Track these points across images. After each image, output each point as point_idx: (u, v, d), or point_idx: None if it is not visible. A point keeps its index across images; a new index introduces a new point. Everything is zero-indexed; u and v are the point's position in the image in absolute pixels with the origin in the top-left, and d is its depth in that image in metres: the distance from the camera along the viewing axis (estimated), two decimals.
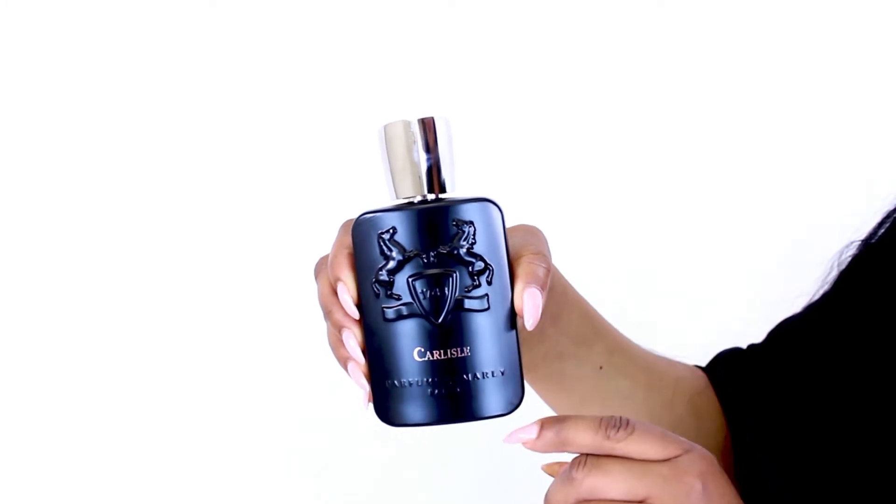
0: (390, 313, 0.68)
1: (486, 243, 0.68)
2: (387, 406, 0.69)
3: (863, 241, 0.86)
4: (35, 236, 1.40)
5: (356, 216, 0.69)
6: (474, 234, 0.68)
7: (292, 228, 1.40)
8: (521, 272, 0.68)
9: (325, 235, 1.41)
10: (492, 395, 0.68)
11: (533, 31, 1.39)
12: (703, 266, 1.39)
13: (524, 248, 0.70)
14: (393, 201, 0.71)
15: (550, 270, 0.70)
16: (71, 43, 1.38)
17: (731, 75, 1.39)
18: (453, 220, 0.68)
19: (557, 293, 0.78)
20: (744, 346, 0.94)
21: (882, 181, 0.87)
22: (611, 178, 1.40)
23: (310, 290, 1.45)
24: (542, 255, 0.70)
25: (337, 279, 0.69)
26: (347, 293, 0.69)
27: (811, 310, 0.89)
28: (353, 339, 0.69)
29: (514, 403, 0.69)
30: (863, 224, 0.87)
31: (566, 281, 0.81)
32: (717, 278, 1.39)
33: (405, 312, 0.68)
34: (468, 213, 0.68)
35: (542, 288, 0.68)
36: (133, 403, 1.41)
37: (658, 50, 1.39)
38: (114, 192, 1.40)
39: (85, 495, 1.41)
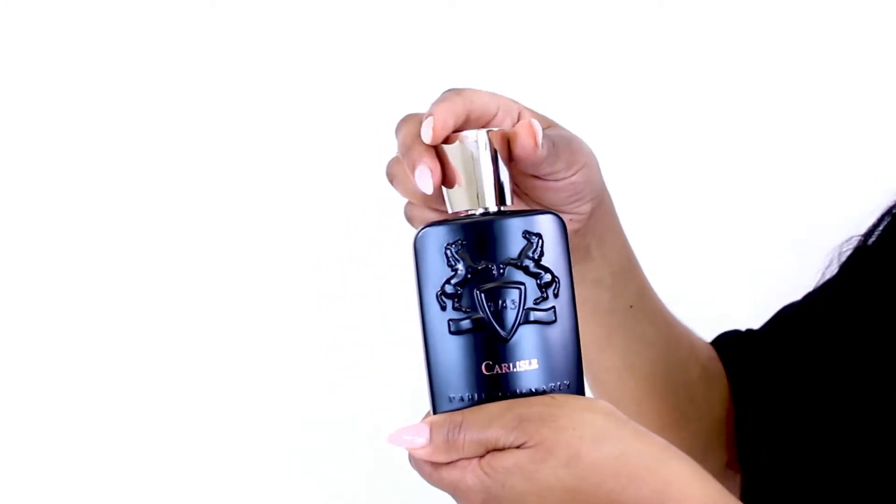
0: (457, 326, 0.68)
1: (552, 255, 0.68)
2: None
3: (862, 236, 0.86)
4: (34, 236, 1.40)
5: (419, 228, 0.70)
6: (542, 246, 0.68)
7: (292, 229, 1.40)
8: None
9: (326, 235, 1.42)
10: None
11: (533, 31, 1.39)
12: (700, 265, 1.39)
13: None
14: (451, 212, 0.70)
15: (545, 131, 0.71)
16: (71, 43, 1.38)
17: (731, 75, 1.39)
18: (523, 232, 0.68)
19: (608, 214, 0.79)
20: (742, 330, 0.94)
21: (881, 178, 0.87)
22: (610, 178, 1.40)
23: (309, 291, 1.45)
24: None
25: (430, 114, 0.71)
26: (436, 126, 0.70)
27: (811, 298, 0.89)
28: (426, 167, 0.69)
29: None
30: (862, 221, 0.87)
31: (614, 209, 0.82)
32: (715, 277, 1.39)
33: (472, 325, 0.67)
34: (537, 225, 0.68)
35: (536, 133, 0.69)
36: (133, 404, 1.41)
37: (658, 50, 1.39)
38: (114, 192, 1.40)
39: (85, 496, 1.41)
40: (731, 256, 1.40)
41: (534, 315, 0.68)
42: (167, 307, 1.41)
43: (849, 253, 0.86)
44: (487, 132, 0.70)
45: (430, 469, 0.66)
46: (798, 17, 1.38)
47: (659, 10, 1.38)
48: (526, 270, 0.68)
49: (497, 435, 0.64)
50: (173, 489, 1.41)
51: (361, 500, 1.42)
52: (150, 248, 1.40)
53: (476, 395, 0.67)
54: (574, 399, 0.66)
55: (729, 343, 0.92)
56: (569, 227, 0.71)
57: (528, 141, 0.69)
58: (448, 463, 0.65)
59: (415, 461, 0.66)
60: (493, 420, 0.64)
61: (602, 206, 0.78)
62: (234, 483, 1.42)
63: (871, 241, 0.85)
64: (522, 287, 0.68)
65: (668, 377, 0.87)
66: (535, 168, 0.70)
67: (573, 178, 0.74)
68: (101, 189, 1.40)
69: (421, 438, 0.65)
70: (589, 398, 0.66)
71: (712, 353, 0.91)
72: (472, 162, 0.70)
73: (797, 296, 0.91)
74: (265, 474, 1.42)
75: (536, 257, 0.68)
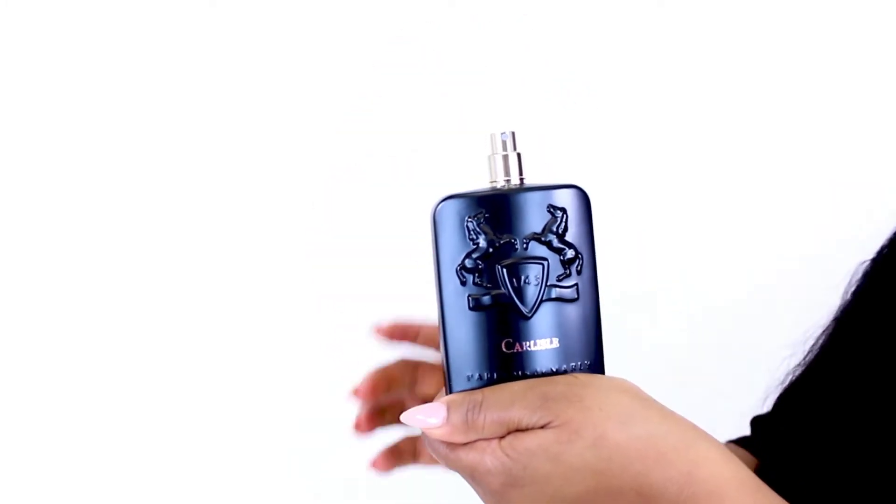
0: (477, 302, 0.65)
1: (576, 231, 0.66)
2: None
3: (871, 259, 0.85)
4: (34, 236, 1.40)
5: (439, 200, 0.66)
6: (566, 221, 0.66)
7: (293, 229, 1.40)
8: None
9: (326, 235, 1.42)
10: None
11: (533, 31, 1.39)
12: (706, 277, 1.39)
13: None
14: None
15: None
16: (71, 43, 1.38)
17: (731, 76, 1.39)
18: (547, 206, 0.65)
19: None
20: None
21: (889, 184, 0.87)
22: (610, 178, 1.40)
23: (309, 291, 1.45)
24: None
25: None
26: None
27: (818, 357, 0.88)
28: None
29: None
30: (871, 238, 0.86)
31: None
32: (720, 288, 1.39)
33: (493, 302, 0.65)
34: (561, 198, 0.66)
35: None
36: (132, 404, 1.41)
37: (658, 50, 1.39)
38: (114, 192, 1.40)
39: (85, 496, 1.41)
40: (736, 266, 1.40)
41: (556, 292, 0.65)
42: (167, 308, 1.41)
43: (861, 277, 0.85)
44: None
45: (447, 451, 0.64)
46: (799, 16, 1.38)
47: (659, 10, 1.38)
48: (549, 245, 0.66)
49: (520, 415, 0.62)
50: (173, 489, 1.41)
51: (361, 500, 1.42)
52: (148, 248, 1.40)
53: (494, 374, 0.64)
54: (598, 378, 0.64)
55: (757, 429, 0.91)
56: None
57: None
58: (466, 444, 0.63)
59: (430, 442, 0.64)
60: (517, 399, 0.62)
61: None
62: (234, 483, 1.42)
63: (878, 262, 0.83)
64: (545, 263, 0.65)
65: None
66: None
67: None
68: (101, 189, 1.40)
69: (436, 418, 0.63)
70: (613, 377, 0.64)
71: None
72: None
73: (798, 292, 0.90)
74: (265, 474, 1.42)
75: (560, 232, 0.66)
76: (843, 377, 0.81)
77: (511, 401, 0.62)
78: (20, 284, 1.40)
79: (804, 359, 0.90)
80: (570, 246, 0.66)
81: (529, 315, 0.65)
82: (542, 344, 0.65)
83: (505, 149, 0.67)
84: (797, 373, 0.90)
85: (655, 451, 0.61)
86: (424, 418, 0.63)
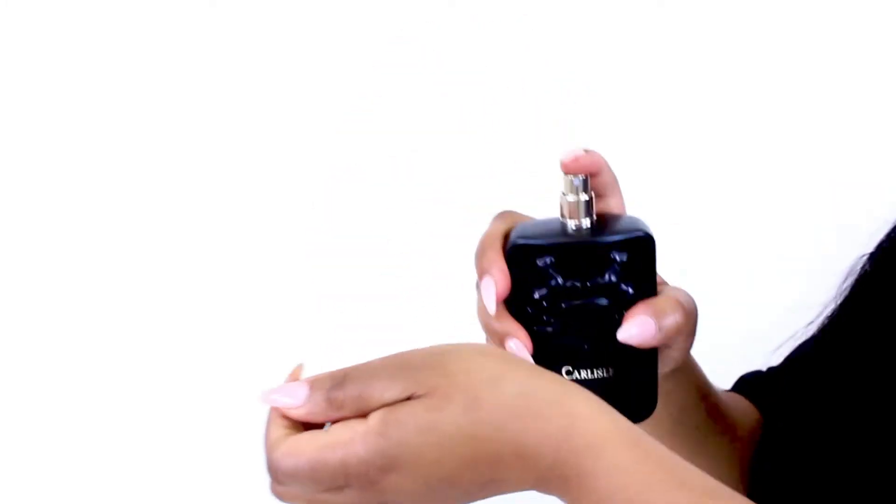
0: (542, 336, 0.70)
1: (638, 276, 0.70)
2: None
3: (870, 253, 0.85)
4: (34, 236, 1.40)
5: (512, 240, 0.70)
6: (629, 267, 0.70)
7: (293, 229, 1.40)
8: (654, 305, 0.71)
9: (325, 236, 1.42)
10: (627, 407, 0.68)
11: (533, 31, 1.39)
12: (713, 271, 1.39)
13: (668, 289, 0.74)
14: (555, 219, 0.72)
15: (679, 329, 0.72)
16: (71, 43, 1.38)
17: (731, 75, 1.39)
18: (610, 253, 0.70)
19: (680, 372, 0.79)
20: (760, 367, 0.94)
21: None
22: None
23: (309, 291, 1.45)
24: (680, 305, 0.72)
25: (484, 273, 0.70)
26: (493, 290, 0.70)
27: (824, 328, 0.89)
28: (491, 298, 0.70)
29: (646, 414, 0.72)
30: (871, 233, 0.87)
31: (692, 359, 0.82)
32: (726, 283, 1.39)
33: (556, 338, 0.70)
34: (625, 246, 0.70)
35: (658, 329, 0.71)
36: (132, 404, 1.41)
37: (658, 50, 1.39)
38: (113, 192, 1.40)
39: (85, 496, 1.41)
40: (741, 261, 1.40)
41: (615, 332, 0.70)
42: (166, 308, 1.41)
43: (859, 270, 0.85)
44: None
45: (309, 464, 0.58)
46: (799, 16, 1.38)
47: (659, 10, 1.38)
48: (611, 290, 0.70)
49: (382, 386, 0.59)
50: (173, 489, 1.41)
51: None
52: (148, 247, 1.40)
53: None
54: (459, 344, 0.62)
55: (758, 387, 0.92)
56: None
57: (646, 333, 0.70)
58: (329, 444, 0.58)
59: (284, 457, 0.59)
60: (377, 371, 0.60)
61: (676, 369, 0.78)
62: (234, 483, 1.42)
63: (877, 255, 0.84)
64: (607, 305, 0.70)
65: (725, 469, 0.87)
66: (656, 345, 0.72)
67: (671, 352, 0.75)
68: (101, 189, 1.40)
69: (295, 398, 0.60)
70: (475, 343, 0.63)
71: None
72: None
73: (810, 306, 0.91)
74: (264, 474, 1.42)
75: (622, 276, 0.70)
76: (839, 369, 0.81)
77: (371, 373, 0.60)
78: (20, 284, 1.40)
79: (800, 351, 0.91)
80: (631, 290, 0.70)
81: (588, 350, 0.70)
82: (599, 373, 0.70)
83: (577, 193, 0.71)
84: (794, 356, 0.91)
85: (530, 409, 0.59)
86: (282, 398, 0.60)
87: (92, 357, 1.40)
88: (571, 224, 0.71)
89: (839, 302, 0.86)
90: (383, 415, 0.58)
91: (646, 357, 0.71)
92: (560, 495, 0.60)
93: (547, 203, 1.42)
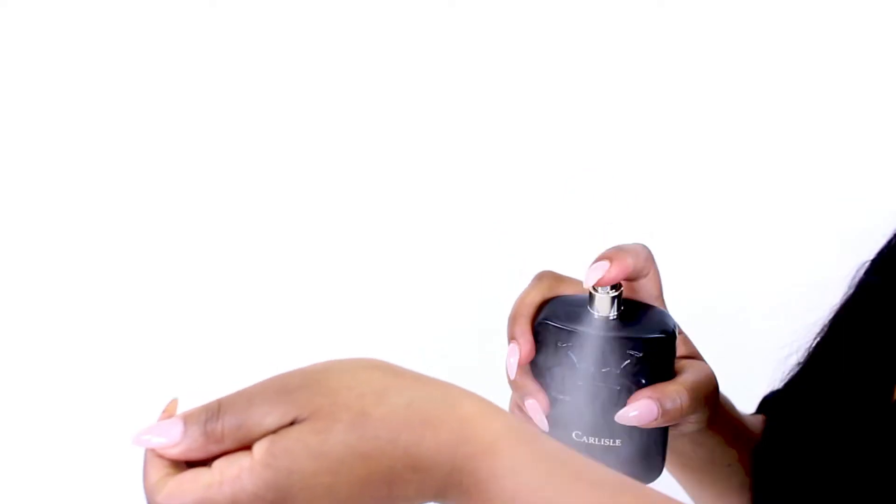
0: (556, 402, 0.74)
1: (653, 370, 0.74)
2: None
3: (871, 260, 0.85)
4: (35, 236, 1.40)
5: (541, 317, 0.74)
6: (645, 364, 0.73)
7: (292, 229, 1.40)
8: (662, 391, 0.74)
9: (325, 236, 1.42)
10: (631, 475, 0.71)
11: (533, 31, 1.39)
12: (709, 271, 1.40)
13: (690, 372, 0.76)
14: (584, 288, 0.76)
15: (683, 412, 0.75)
16: (71, 43, 1.38)
17: (731, 75, 1.39)
18: (628, 351, 0.73)
19: (714, 432, 0.81)
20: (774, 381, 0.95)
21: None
22: (612, 176, 1.40)
23: (309, 291, 1.45)
24: (689, 391, 0.75)
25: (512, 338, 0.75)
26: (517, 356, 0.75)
27: (824, 340, 0.89)
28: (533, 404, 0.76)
29: (653, 477, 0.76)
30: (872, 233, 0.87)
31: (729, 409, 0.83)
32: (723, 283, 1.39)
33: (570, 406, 0.74)
34: (643, 346, 0.73)
35: (660, 412, 0.74)
36: (131, 404, 1.41)
37: (658, 50, 1.39)
38: (111, 192, 1.40)
39: (84, 496, 1.41)
40: (747, 270, 1.40)
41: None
42: (166, 308, 1.41)
43: (861, 277, 0.86)
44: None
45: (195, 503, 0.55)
46: (799, 16, 1.38)
47: (659, 10, 1.38)
48: (625, 380, 0.73)
49: (262, 412, 0.55)
50: None
51: None
52: (148, 247, 1.40)
53: None
54: (339, 360, 0.59)
55: (775, 403, 0.93)
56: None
57: (645, 416, 0.74)
58: (217, 482, 0.55)
59: (167, 498, 0.55)
60: (254, 397, 0.56)
61: (711, 424, 0.80)
62: None
63: (877, 262, 0.84)
64: (619, 392, 0.73)
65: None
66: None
67: (688, 427, 0.78)
68: (100, 189, 1.40)
69: (169, 437, 0.56)
70: (355, 357, 0.60)
71: None
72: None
73: (815, 308, 0.91)
74: None
75: (636, 371, 0.73)
76: (839, 374, 0.81)
77: (248, 400, 0.56)
78: (20, 284, 1.40)
79: (802, 359, 0.91)
80: (641, 385, 0.73)
81: (598, 424, 0.74)
82: (607, 442, 0.75)
83: (606, 291, 0.74)
84: (794, 371, 0.91)
85: (420, 417, 0.56)
86: (156, 438, 0.56)
87: (92, 357, 1.40)
88: (597, 315, 0.74)
89: (840, 309, 0.86)
90: (268, 444, 0.55)
91: (654, 431, 0.75)
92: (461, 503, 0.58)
93: (547, 203, 1.43)
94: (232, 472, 0.54)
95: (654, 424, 0.74)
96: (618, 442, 0.74)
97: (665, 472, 0.80)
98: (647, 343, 0.73)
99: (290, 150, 1.41)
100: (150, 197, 1.40)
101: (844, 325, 0.85)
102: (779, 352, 0.93)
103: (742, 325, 1.32)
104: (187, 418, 0.57)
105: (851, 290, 0.85)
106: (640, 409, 0.73)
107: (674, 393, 0.74)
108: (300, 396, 0.56)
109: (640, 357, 0.73)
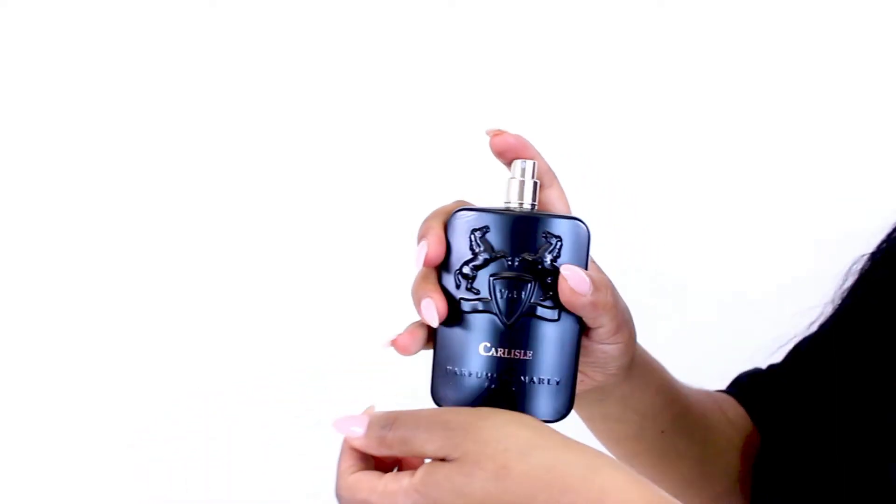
0: (466, 306, 0.71)
1: (569, 259, 0.71)
2: (443, 389, 0.72)
3: (871, 253, 0.85)
4: (35, 236, 1.40)
5: (457, 209, 0.72)
6: (560, 249, 0.71)
7: (292, 229, 1.40)
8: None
9: (325, 236, 1.42)
10: (543, 400, 0.71)
11: (533, 31, 1.39)
12: (710, 271, 1.39)
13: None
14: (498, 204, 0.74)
15: (608, 306, 0.71)
16: (71, 43, 1.38)
17: (731, 75, 1.39)
18: (543, 232, 0.71)
19: (633, 375, 0.79)
20: (761, 365, 0.94)
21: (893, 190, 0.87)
22: (611, 176, 1.40)
23: (309, 291, 1.45)
24: (610, 284, 0.72)
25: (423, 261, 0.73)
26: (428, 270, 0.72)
27: (825, 328, 0.89)
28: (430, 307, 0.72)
29: (562, 413, 0.71)
30: (872, 233, 0.87)
31: (650, 359, 0.82)
32: (724, 283, 1.39)
33: (480, 308, 0.71)
34: (558, 227, 0.71)
35: (591, 289, 0.69)
36: (132, 404, 1.41)
37: (658, 50, 1.39)
38: (110, 192, 1.40)
39: (84, 495, 1.41)
40: (744, 267, 1.40)
41: (538, 310, 0.71)
42: (166, 309, 1.41)
43: (859, 271, 0.86)
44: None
45: (361, 501, 0.66)
46: (799, 16, 1.38)
47: (659, 10, 1.38)
48: (539, 268, 0.71)
49: (423, 439, 0.64)
50: (173, 489, 1.42)
51: None
52: (148, 246, 1.40)
53: (469, 372, 0.71)
54: (500, 412, 0.66)
55: (752, 388, 0.92)
56: (592, 382, 0.74)
57: (581, 290, 0.69)
58: (377, 488, 0.65)
59: (346, 488, 0.67)
60: (421, 424, 0.65)
61: (629, 371, 0.77)
62: (233, 483, 1.42)
63: (877, 255, 0.84)
64: (532, 282, 0.71)
65: (705, 474, 0.87)
66: (576, 309, 0.70)
67: (608, 348, 0.74)
68: (99, 189, 1.40)
69: (360, 428, 0.67)
70: (515, 413, 0.66)
71: (749, 425, 0.91)
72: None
73: (811, 307, 0.91)
74: (264, 474, 1.42)
75: (552, 258, 0.71)
76: (843, 368, 0.81)
77: (416, 424, 0.65)
78: (20, 284, 1.40)
79: (795, 348, 0.91)
80: (558, 272, 0.71)
81: (508, 325, 0.71)
82: (517, 354, 0.71)
83: (522, 175, 0.73)
84: (787, 360, 0.91)
85: (560, 481, 0.62)
86: (350, 427, 0.68)
87: (93, 357, 1.40)
88: (514, 205, 0.73)
89: (840, 301, 0.86)
90: (422, 475, 0.63)
91: (567, 345, 0.71)
92: None
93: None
94: (393, 487, 0.64)
95: (582, 304, 0.69)
96: (529, 354, 0.71)
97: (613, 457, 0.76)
98: (566, 225, 0.71)
99: (290, 149, 1.41)
100: (150, 197, 1.40)
101: (847, 318, 0.85)
102: (778, 346, 0.93)
103: (740, 320, 1.32)
104: (371, 420, 0.67)
105: (852, 282, 0.85)
106: (574, 274, 0.69)
107: (601, 282, 0.70)
108: (455, 437, 0.63)
109: (559, 240, 0.71)
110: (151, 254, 1.40)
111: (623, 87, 1.39)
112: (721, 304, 1.38)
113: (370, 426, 0.67)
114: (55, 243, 1.40)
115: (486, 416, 0.65)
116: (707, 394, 0.91)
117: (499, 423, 0.64)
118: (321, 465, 1.42)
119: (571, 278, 0.68)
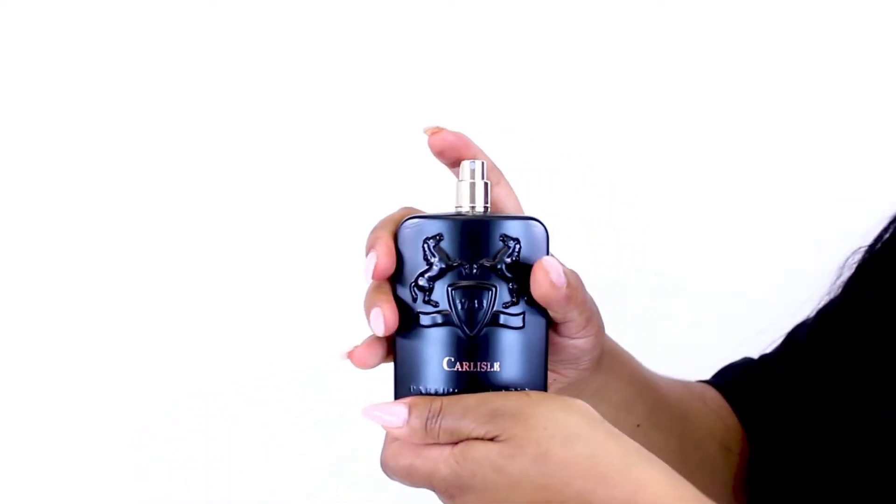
0: (425, 319, 0.68)
1: (528, 262, 0.68)
2: None
3: (868, 246, 0.85)
4: (34, 236, 1.40)
5: (405, 218, 0.70)
6: (518, 252, 0.68)
7: (292, 229, 1.40)
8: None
9: (325, 236, 1.42)
10: None
11: (533, 31, 1.39)
12: (710, 270, 1.39)
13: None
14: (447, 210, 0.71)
15: (578, 300, 0.69)
16: (71, 43, 1.38)
17: (731, 75, 1.39)
18: (500, 235, 0.68)
19: (606, 368, 0.78)
20: (752, 355, 0.94)
21: (889, 187, 0.87)
22: (610, 175, 1.40)
23: (309, 291, 1.45)
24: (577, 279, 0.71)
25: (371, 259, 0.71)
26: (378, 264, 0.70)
27: (820, 318, 0.88)
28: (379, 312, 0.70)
29: None
30: (869, 230, 0.87)
31: (620, 350, 0.81)
32: (724, 282, 1.39)
33: (440, 321, 0.68)
34: (515, 229, 0.68)
35: (565, 282, 0.67)
36: (132, 404, 1.41)
37: (658, 50, 1.39)
38: (113, 192, 1.40)
39: (84, 495, 1.41)
40: (740, 262, 1.40)
41: (502, 318, 0.68)
42: (166, 309, 1.41)
43: (855, 265, 0.85)
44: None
45: (405, 467, 0.66)
46: (799, 16, 1.38)
47: (659, 10, 1.38)
48: (499, 273, 0.68)
49: (471, 427, 0.64)
50: (173, 489, 1.41)
51: (361, 499, 1.42)
52: (149, 246, 1.40)
53: (434, 389, 0.68)
54: (550, 398, 0.65)
55: (740, 381, 0.92)
56: (565, 380, 0.73)
57: (556, 279, 0.67)
58: (421, 457, 0.66)
59: (390, 465, 0.67)
60: (469, 411, 0.65)
61: (600, 364, 0.76)
62: (233, 483, 1.42)
63: (876, 247, 0.84)
64: (493, 289, 0.68)
65: (683, 463, 0.86)
66: (552, 304, 0.68)
67: (579, 342, 0.72)
68: (99, 189, 1.40)
69: (397, 418, 0.66)
70: (566, 397, 0.66)
71: (732, 418, 0.90)
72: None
73: (804, 301, 0.91)
74: (264, 474, 1.42)
75: (511, 262, 0.68)
76: (838, 362, 0.82)
77: (464, 413, 0.65)
78: (19, 284, 1.40)
79: (794, 339, 0.91)
80: (519, 275, 0.67)
81: (472, 337, 0.68)
82: (483, 366, 0.68)
83: (473, 177, 0.70)
84: (777, 353, 0.91)
85: (598, 472, 0.63)
86: (384, 416, 0.67)
87: (93, 357, 1.40)
88: (466, 208, 0.69)
89: (837, 294, 0.86)
90: (463, 447, 0.64)
91: (535, 350, 0.68)
92: None
93: (547, 203, 1.43)
94: (435, 453, 0.65)
95: (557, 298, 0.67)
96: (496, 366, 0.67)
97: None
98: (523, 226, 0.67)
99: (290, 150, 1.40)
100: (150, 197, 1.40)
101: (844, 311, 0.85)
102: (772, 343, 0.93)
103: (733, 315, 1.32)
104: (413, 407, 0.66)
105: (847, 277, 0.85)
106: (555, 267, 0.66)
107: (570, 274, 0.68)
108: (504, 422, 0.64)
109: (516, 242, 0.67)
110: (151, 254, 1.40)
111: (623, 86, 1.39)
112: (721, 304, 1.38)
113: (413, 416, 0.66)
114: (54, 243, 1.39)
115: (537, 402, 0.65)
116: (684, 384, 0.90)
117: (549, 409, 0.64)
118: (321, 465, 1.42)
119: (553, 271, 0.66)
